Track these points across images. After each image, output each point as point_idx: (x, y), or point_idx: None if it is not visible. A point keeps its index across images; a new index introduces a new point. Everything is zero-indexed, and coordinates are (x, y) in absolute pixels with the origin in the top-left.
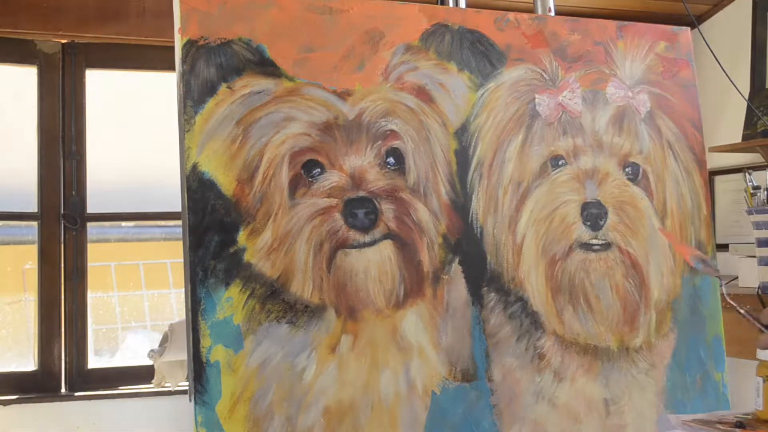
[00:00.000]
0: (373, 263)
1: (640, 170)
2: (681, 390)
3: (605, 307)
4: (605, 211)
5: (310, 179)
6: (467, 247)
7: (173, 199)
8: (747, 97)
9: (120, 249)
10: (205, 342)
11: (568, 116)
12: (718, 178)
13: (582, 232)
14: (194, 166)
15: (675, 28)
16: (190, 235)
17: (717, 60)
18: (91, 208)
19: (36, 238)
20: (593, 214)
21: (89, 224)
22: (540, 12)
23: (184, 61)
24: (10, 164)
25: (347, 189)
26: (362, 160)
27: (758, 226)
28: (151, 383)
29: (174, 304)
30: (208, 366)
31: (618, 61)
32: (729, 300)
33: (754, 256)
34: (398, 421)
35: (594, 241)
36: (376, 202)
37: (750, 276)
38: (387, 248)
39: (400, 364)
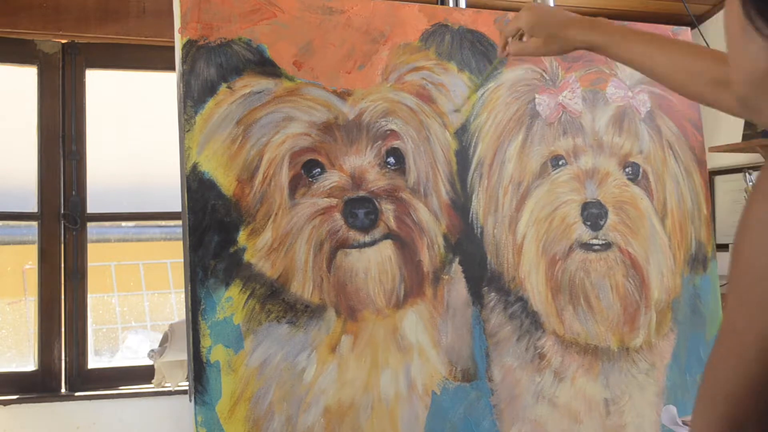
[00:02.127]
0: (374, 263)
1: (641, 170)
2: (681, 390)
3: (605, 307)
4: (605, 211)
5: (310, 179)
6: (467, 247)
7: (173, 199)
8: None
9: (120, 249)
10: (205, 342)
11: (569, 116)
12: (718, 178)
13: (582, 232)
14: (194, 166)
15: (675, 28)
16: (190, 235)
17: None
18: (91, 208)
19: (36, 238)
20: (593, 214)
21: (89, 224)
22: None
23: (184, 61)
24: (10, 164)
25: (347, 189)
26: (362, 160)
27: None
28: (151, 383)
29: (174, 304)
30: (208, 366)
31: None
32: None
33: None
34: (398, 421)
35: (594, 241)
36: (377, 202)
37: None
38: (387, 248)
39: (400, 364)
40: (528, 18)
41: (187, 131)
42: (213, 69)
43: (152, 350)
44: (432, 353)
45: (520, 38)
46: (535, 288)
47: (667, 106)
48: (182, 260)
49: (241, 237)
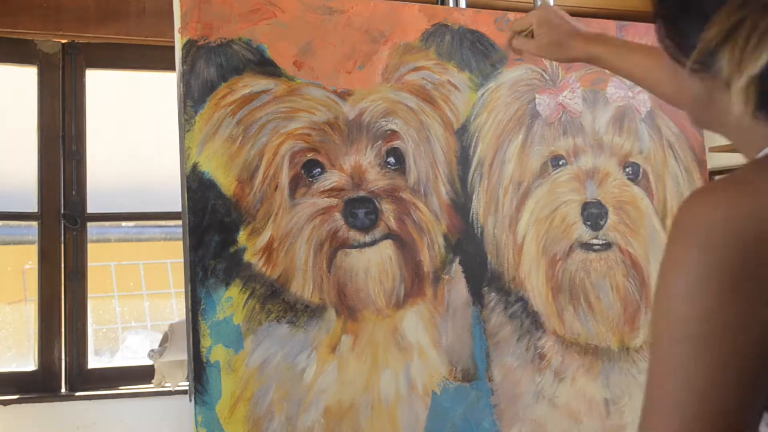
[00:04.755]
0: (374, 263)
1: (641, 170)
2: None
3: (606, 307)
4: (606, 211)
5: (310, 179)
6: (468, 247)
7: (173, 199)
8: None
9: (120, 249)
10: (205, 342)
11: (569, 116)
12: (718, 179)
13: (582, 232)
14: (194, 166)
15: None
16: (190, 235)
17: None
18: (91, 208)
19: (36, 238)
20: (594, 214)
21: (89, 224)
22: None
23: (184, 61)
24: (10, 164)
25: (347, 189)
26: (363, 160)
27: None
28: (151, 383)
29: (174, 304)
30: (208, 366)
31: None
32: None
33: None
34: (398, 421)
35: (594, 241)
36: (377, 202)
37: None
38: (387, 248)
39: (400, 364)
40: (540, 18)
41: (187, 131)
42: (213, 69)
43: (152, 350)
44: (432, 353)
45: (529, 36)
46: (536, 288)
47: (667, 106)
48: (182, 260)
49: (241, 237)
